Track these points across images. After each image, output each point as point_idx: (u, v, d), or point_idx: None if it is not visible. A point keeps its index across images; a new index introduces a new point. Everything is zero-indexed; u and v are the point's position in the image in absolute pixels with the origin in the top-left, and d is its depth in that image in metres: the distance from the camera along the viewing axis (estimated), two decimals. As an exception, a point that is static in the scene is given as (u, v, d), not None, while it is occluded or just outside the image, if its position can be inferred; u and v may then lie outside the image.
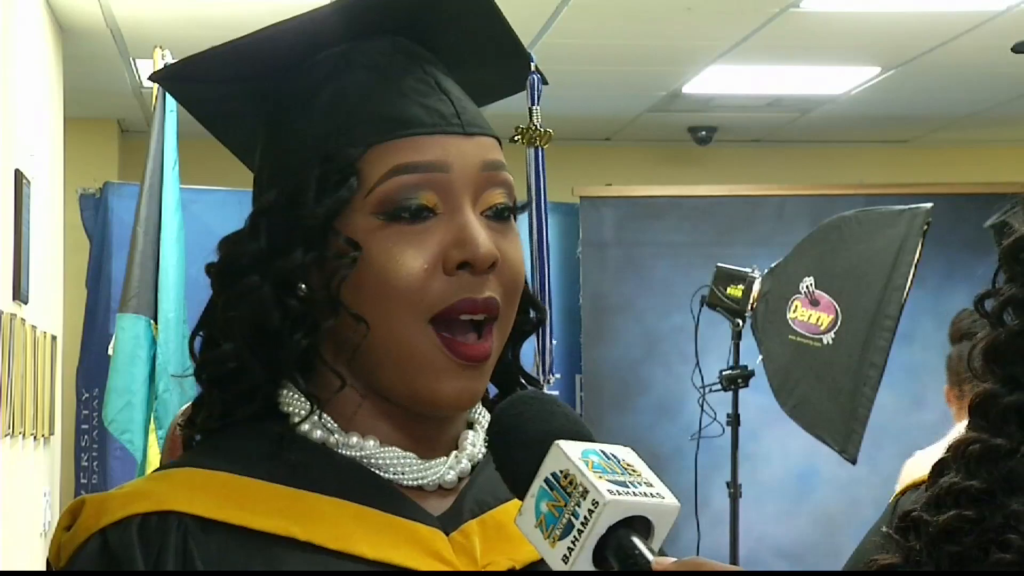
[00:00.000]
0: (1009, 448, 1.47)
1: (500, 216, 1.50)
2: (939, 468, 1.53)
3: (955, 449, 1.50)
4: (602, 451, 1.29)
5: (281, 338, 1.48)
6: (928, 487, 1.53)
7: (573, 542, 1.25)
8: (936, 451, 1.62)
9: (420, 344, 1.45)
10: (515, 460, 1.32)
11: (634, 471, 1.29)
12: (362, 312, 1.46)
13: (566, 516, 1.26)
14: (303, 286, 1.47)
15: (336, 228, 1.47)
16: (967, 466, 1.48)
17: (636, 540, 1.25)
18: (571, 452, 1.27)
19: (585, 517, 1.25)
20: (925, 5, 6.75)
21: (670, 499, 1.28)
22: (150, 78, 1.64)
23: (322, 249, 1.47)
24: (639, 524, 1.26)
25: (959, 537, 1.45)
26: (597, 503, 1.25)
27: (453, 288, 1.45)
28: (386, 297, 1.45)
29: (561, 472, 1.27)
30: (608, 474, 1.27)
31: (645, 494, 1.27)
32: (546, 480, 1.28)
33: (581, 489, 1.26)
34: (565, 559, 1.26)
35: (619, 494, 1.25)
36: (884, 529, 1.54)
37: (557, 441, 1.29)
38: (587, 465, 1.26)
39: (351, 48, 1.53)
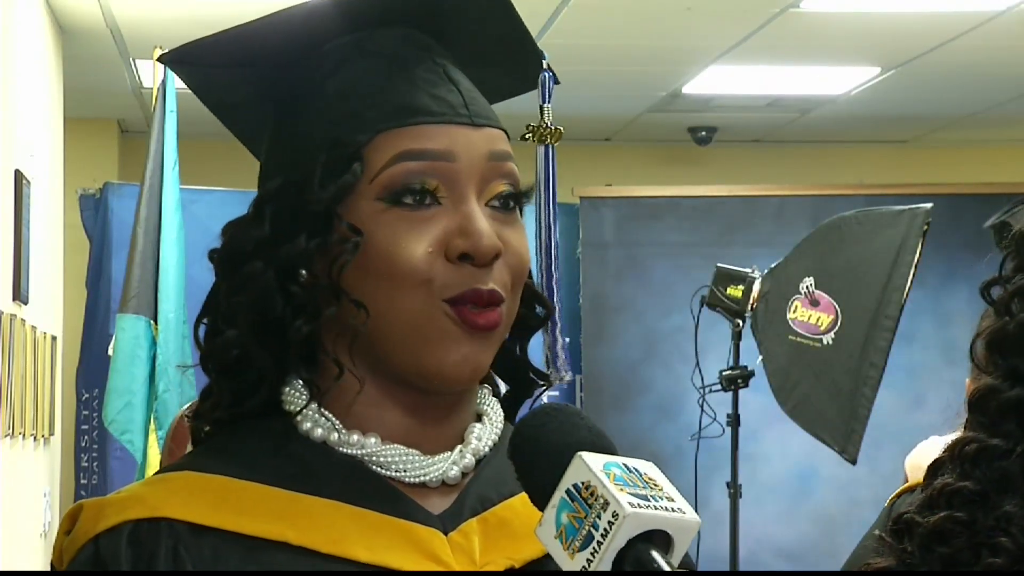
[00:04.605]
0: (1005, 448, 1.45)
1: (505, 206, 1.49)
2: (935, 468, 1.52)
3: (952, 449, 1.49)
4: (624, 464, 1.29)
5: (284, 325, 1.47)
6: (924, 488, 1.51)
7: (592, 554, 1.25)
8: (936, 442, 1.60)
9: (428, 315, 1.44)
10: (537, 471, 1.32)
11: (656, 485, 1.28)
12: (368, 296, 1.45)
13: (586, 528, 1.26)
14: (304, 272, 1.47)
15: (339, 214, 1.46)
16: (962, 467, 1.47)
17: (655, 554, 1.25)
18: (593, 464, 1.27)
19: (605, 529, 1.25)
20: (925, 5, 6.75)
21: (691, 514, 1.28)
22: (159, 59, 1.63)
23: (326, 235, 1.46)
24: (659, 538, 1.26)
25: (950, 539, 1.44)
26: (617, 515, 1.24)
27: (459, 277, 1.45)
28: (392, 279, 1.44)
29: (583, 484, 1.27)
30: (630, 487, 1.26)
31: (666, 508, 1.27)
32: (567, 491, 1.28)
33: (602, 501, 1.25)
34: (584, 571, 1.26)
35: (640, 507, 1.25)
36: (877, 532, 1.53)
37: (579, 453, 1.29)
38: (609, 477, 1.26)
39: (362, 37, 1.52)
